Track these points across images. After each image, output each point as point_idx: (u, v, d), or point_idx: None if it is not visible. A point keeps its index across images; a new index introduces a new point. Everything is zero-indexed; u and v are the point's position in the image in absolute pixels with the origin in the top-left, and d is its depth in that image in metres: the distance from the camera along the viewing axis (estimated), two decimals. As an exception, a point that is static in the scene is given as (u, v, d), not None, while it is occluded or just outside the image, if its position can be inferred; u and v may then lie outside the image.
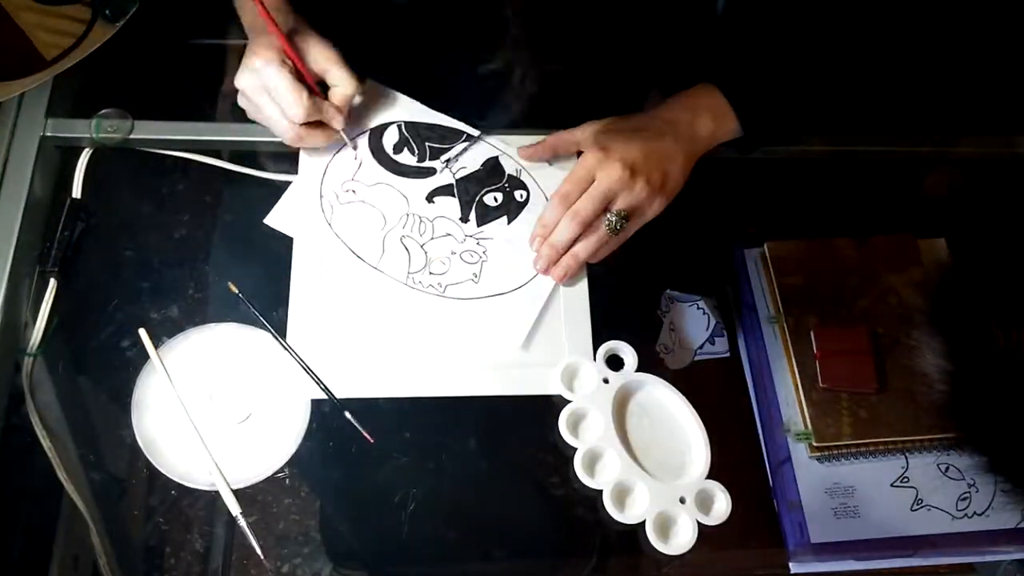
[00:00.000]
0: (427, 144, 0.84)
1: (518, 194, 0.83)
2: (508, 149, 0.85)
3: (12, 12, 0.72)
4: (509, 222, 0.82)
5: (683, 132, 0.80)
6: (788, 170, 0.94)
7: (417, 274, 0.79)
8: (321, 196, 0.81)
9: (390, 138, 0.85)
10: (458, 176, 0.83)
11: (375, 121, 0.85)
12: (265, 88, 0.75)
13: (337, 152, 0.83)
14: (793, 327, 0.80)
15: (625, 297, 0.80)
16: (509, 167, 0.84)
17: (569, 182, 0.78)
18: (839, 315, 0.81)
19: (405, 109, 0.86)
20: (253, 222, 0.80)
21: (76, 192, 0.82)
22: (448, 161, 0.83)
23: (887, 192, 0.95)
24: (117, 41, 0.84)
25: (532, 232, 0.80)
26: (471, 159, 0.84)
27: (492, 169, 0.84)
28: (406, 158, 0.84)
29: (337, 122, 0.78)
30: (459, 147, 0.84)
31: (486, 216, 0.82)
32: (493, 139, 0.85)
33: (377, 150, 0.84)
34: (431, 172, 0.83)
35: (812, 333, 0.79)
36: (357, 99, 0.82)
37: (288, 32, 0.76)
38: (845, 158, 0.94)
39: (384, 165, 0.83)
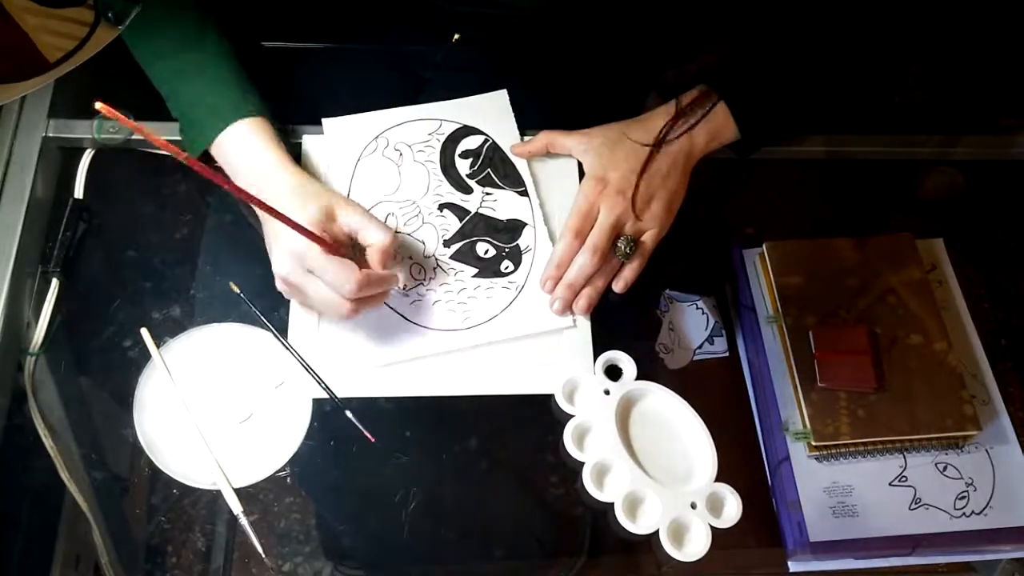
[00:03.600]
0: (488, 170, 0.84)
1: (505, 265, 0.80)
2: (541, 229, 0.82)
3: (15, 14, 0.72)
4: (474, 276, 0.80)
5: (679, 146, 0.80)
6: (788, 170, 0.94)
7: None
8: (379, 135, 0.84)
9: (470, 142, 0.85)
10: (481, 210, 0.82)
11: (478, 123, 0.86)
12: (310, 270, 0.69)
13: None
14: (792, 327, 0.80)
15: (624, 297, 0.80)
16: (525, 240, 0.82)
17: (576, 217, 0.78)
18: (838, 315, 0.81)
19: (503, 128, 0.86)
20: (254, 222, 0.80)
21: (78, 192, 0.82)
22: (489, 193, 0.82)
23: (886, 193, 0.95)
24: (119, 42, 0.84)
25: (543, 275, 0.78)
26: (507, 208, 0.82)
27: (512, 230, 0.82)
28: (463, 166, 0.84)
29: (392, 283, 0.73)
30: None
31: (464, 256, 0.80)
32: (538, 208, 0.83)
33: (452, 141, 0.84)
34: (467, 190, 0.83)
35: (811, 333, 0.79)
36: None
37: (296, 193, 0.71)
38: (844, 159, 0.94)
39: (442, 156, 0.84)
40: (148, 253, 0.85)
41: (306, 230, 0.67)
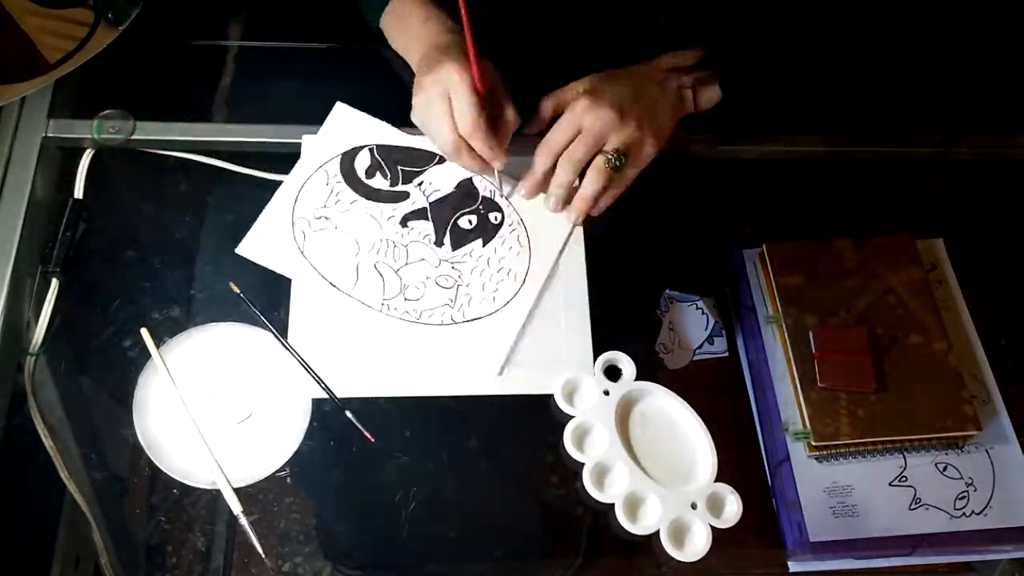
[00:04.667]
0: (399, 167, 0.83)
1: (493, 216, 0.81)
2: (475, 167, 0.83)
3: (16, 15, 0.73)
4: (484, 244, 0.81)
5: (668, 89, 0.81)
6: (787, 170, 0.94)
7: (392, 300, 0.78)
8: (293, 224, 0.80)
9: (362, 162, 0.84)
10: (431, 199, 0.82)
11: (345, 146, 0.84)
12: (445, 92, 0.75)
13: (310, 178, 0.82)
14: (792, 327, 0.80)
15: (624, 297, 0.80)
16: (483, 189, 0.83)
17: (556, 131, 0.79)
18: (838, 315, 0.81)
19: (376, 132, 0.85)
20: (254, 222, 0.81)
21: (78, 192, 0.82)
22: (421, 184, 0.82)
23: (886, 192, 0.95)
24: (119, 42, 0.84)
25: (521, 183, 0.81)
26: (445, 181, 0.83)
27: (467, 192, 0.83)
28: (378, 182, 0.83)
29: (498, 162, 0.78)
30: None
31: (461, 239, 0.81)
32: (456, 157, 0.82)
33: (349, 175, 0.83)
34: (404, 196, 0.82)
35: (811, 333, 0.80)
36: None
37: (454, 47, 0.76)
38: (844, 158, 0.94)
39: (356, 190, 0.82)
40: (148, 253, 0.85)
41: (476, 59, 0.73)
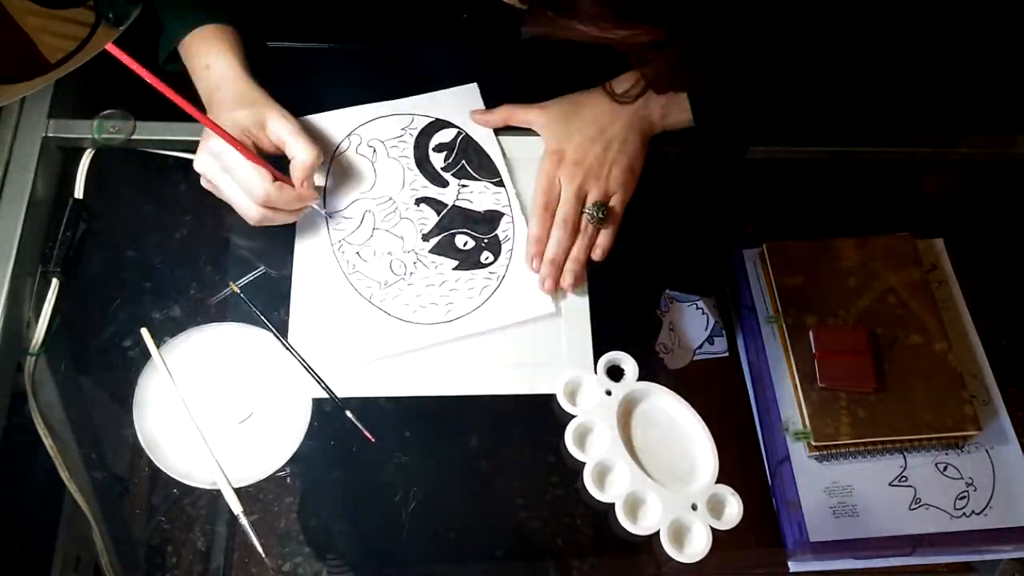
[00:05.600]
0: (464, 162, 0.84)
1: (485, 255, 0.80)
2: (519, 217, 0.82)
3: (16, 15, 0.72)
4: (455, 268, 0.79)
5: (635, 114, 0.81)
6: (788, 170, 0.94)
7: (348, 245, 0.79)
8: (350, 134, 0.84)
9: (442, 136, 0.85)
10: (457, 203, 0.82)
11: (444, 116, 0.86)
12: (226, 169, 0.73)
13: (400, 115, 0.85)
14: (792, 327, 0.80)
15: (625, 297, 0.80)
16: (502, 231, 0.82)
17: (541, 193, 0.80)
18: (838, 315, 0.81)
19: (473, 126, 0.86)
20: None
21: (78, 192, 0.82)
22: (464, 186, 0.82)
23: (886, 192, 0.95)
24: (119, 42, 0.84)
25: (527, 255, 0.80)
26: (482, 201, 0.83)
27: (490, 221, 0.82)
28: (436, 160, 0.84)
29: (307, 199, 0.76)
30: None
31: (444, 250, 0.80)
32: (514, 197, 0.83)
33: (423, 136, 0.84)
34: (443, 184, 0.83)
35: (811, 333, 0.80)
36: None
37: (237, 101, 0.75)
38: (844, 159, 0.94)
39: (416, 151, 0.84)
40: (148, 253, 0.85)
41: (226, 133, 0.71)
